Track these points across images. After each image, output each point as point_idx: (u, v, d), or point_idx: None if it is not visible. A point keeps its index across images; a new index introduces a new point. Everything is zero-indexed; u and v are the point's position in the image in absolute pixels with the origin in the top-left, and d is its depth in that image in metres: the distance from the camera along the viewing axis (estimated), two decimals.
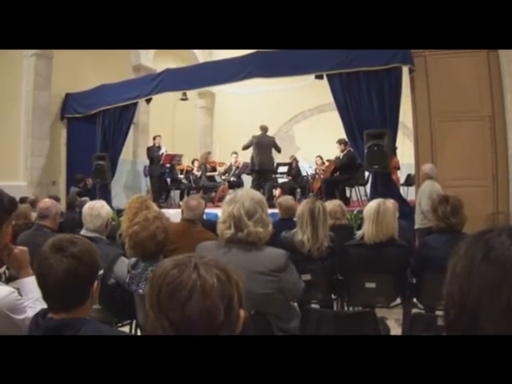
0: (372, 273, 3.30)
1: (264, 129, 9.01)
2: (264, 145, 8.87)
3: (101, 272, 1.53)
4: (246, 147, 9.14)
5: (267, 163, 9.00)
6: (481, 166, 6.62)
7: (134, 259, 2.77)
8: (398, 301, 3.45)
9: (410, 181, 9.42)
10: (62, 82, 9.98)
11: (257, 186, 8.78)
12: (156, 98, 9.30)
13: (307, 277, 3.21)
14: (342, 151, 8.54)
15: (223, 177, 10.77)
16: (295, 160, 10.82)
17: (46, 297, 1.46)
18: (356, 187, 8.83)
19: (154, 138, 10.54)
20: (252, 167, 9.12)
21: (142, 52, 11.98)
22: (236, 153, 10.87)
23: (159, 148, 10.25)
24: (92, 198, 8.06)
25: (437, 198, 3.34)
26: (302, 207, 3.53)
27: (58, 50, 9.12)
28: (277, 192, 9.97)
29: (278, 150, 9.19)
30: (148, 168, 10.57)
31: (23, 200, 6.97)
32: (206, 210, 5.00)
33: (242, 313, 1.02)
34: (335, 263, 3.55)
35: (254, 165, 9.00)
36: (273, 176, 9.73)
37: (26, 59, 9.39)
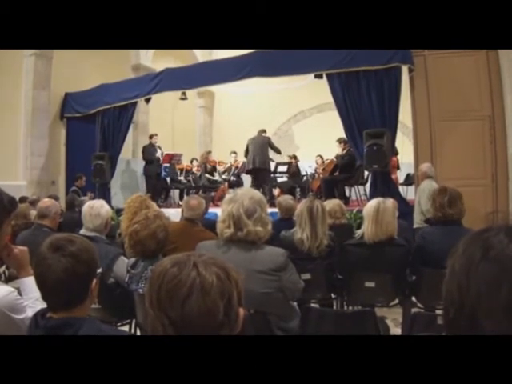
0: (371, 272, 3.30)
1: (261, 131, 9.13)
2: (257, 144, 8.94)
3: (99, 270, 1.53)
4: (245, 152, 9.25)
5: (261, 161, 9.00)
6: (480, 165, 6.62)
7: (133, 259, 2.77)
8: (398, 300, 3.46)
9: (409, 180, 9.42)
10: (62, 81, 9.97)
11: (255, 187, 8.77)
12: (155, 97, 9.30)
13: (307, 276, 3.22)
14: (343, 150, 8.55)
15: (223, 176, 10.78)
16: (295, 159, 10.82)
17: (45, 296, 1.45)
18: (355, 186, 8.83)
19: (151, 137, 10.53)
20: (247, 167, 9.19)
21: (142, 52, 11.97)
22: (235, 152, 10.89)
23: (155, 149, 10.26)
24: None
25: (436, 189, 3.42)
26: (300, 206, 3.54)
27: (57, 49, 9.11)
28: (276, 191, 9.97)
29: (277, 151, 9.23)
30: (143, 168, 10.58)
31: (23, 200, 6.97)
32: None
33: (241, 311, 1.02)
34: (335, 262, 3.55)
35: (248, 165, 9.09)
36: (271, 176, 9.74)
37: (25, 59, 9.38)
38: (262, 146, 8.95)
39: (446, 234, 3.08)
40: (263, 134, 9.19)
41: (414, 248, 3.45)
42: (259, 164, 8.99)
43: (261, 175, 9.20)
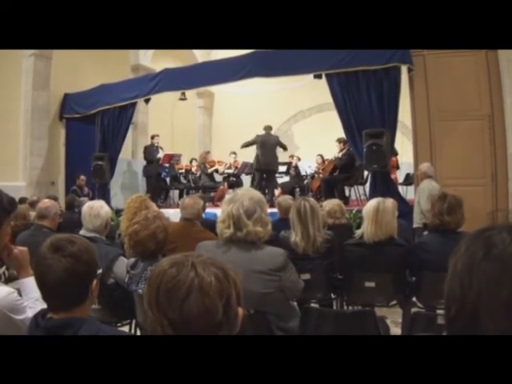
0: (371, 272, 3.30)
1: (268, 128, 9.02)
2: (269, 144, 8.87)
3: (100, 271, 1.53)
4: (247, 145, 9.08)
5: (273, 163, 9.03)
6: (480, 164, 6.63)
7: (133, 259, 2.77)
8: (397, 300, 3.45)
9: (408, 180, 9.43)
10: (61, 82, 9.97)
11: (258, 185, 8.77)
12: (155, 97, 9.31)
13: (306, 276, 3.21)
14: (341, 150, 8.55)
15: (225, 172, 10.78)
16: (297, 159, 10.83)
17: (45, 296, 1.46)
18: (355, 186, 8.84)
19: (153, 138, 10.53)
20: (257, 166, 9.02)
21: (141, 52, 11.97)
22: (235, 153, 10.90)
23: (157, 150, 10.27)
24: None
25: (436, 195, 3.37)
26: (291, 209, 3.51)
27: (56, 50, 9.11)
28: (276, 192, 9.98)
29: (284, 148, 9.20)
30: (143, 168, 10.58)
31: (22, 200, 6.97)
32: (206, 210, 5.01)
33: (240, 311, 1.02)
34: (334, 262, 3.55)
35: (259, 164, 8.93)
36: (274, 176, 9.73)
37: (24, 59, 9.38)
38: (273, 146, 8.93)
39: (444, 244, 2.98)
40: (271, 133, 9.16)
41: (411, 258, 3.37)
42: (272, 166, 9.03)
43: (269, 176, 9.22)
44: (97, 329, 1.38)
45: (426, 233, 4.94)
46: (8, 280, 2.90)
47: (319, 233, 3.39)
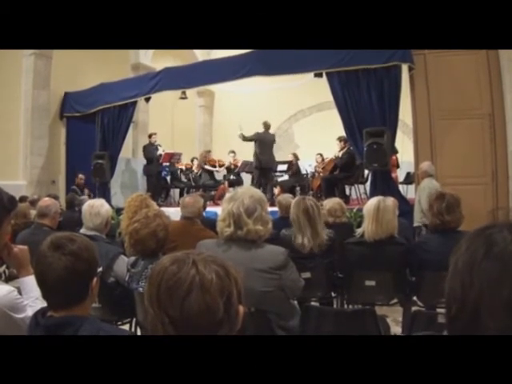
0: (372, 270, 3.30)
1: (267, 126, 9.03)
2: (268, 142, 8.93)
3: (100, 269, 1.53)
4: (247, 139, 9.08)
5: (271, 161, 9.09)
6: (480, 163, 6.62)
7: (133, 258, 2.78)
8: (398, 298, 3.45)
9: (409, 179, 9.42)
10: (61, 81, 9.98)
11: (257, 183, 8.78)
12: (155, 96, 9.30)
13: (307, 274, 3.21)
14: (342, 149, 8.55)
15: (224, 173, 10.80)
16: (296, 158, 10.82)
17: (45, 295, 1.46)
18: (355, 185, 8.84)
19: (150, 136, 10.54)
20: (257, 165, 9.04)
21: (141, 51, 11.96)
22: (233, 151, 10.90)
23: (157, 148, 10.27)
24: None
25: (434, 195, 3.36)
26: (294, 210, 3.45)
27: (57, 49, 9.11)
28: (276, 190, 9.97)
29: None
30: (144, 167, 10.59)
31: (23, 199, 6.97)
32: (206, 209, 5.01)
33: (241, 308, 1.02)
34: (335, 261, 3.55)
35: (259, 162, 8.96)
36: (272, 174, 9.75)
37: (24, 58, 9.40)
38: (271, 145, 9.01)
39: (443, 243, 2.96)
40: (270, 132, 9.21)
41: (411, 257, 3.35)
42: (271, 164, 9.08)
43: (268, 174, 9.26)
44: (97, 327, 1.38)
45: (423, 232, 4.94)
46: (8, 279, 2.90)
47: (324, 230, 3.40)
